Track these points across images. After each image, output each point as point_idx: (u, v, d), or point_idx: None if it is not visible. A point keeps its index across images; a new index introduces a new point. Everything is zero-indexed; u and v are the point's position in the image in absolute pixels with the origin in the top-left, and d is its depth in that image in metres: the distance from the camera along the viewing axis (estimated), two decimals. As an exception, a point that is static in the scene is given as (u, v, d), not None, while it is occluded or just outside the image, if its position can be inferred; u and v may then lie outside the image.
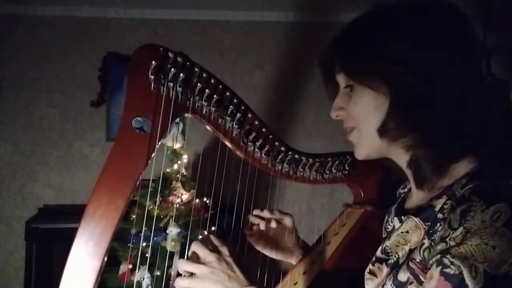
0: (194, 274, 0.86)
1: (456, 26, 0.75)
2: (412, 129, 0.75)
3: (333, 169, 1.16)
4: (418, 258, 0.71)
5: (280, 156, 1.09)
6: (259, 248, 1.17)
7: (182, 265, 0.88)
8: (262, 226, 1.18)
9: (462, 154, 0.74)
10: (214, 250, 0.88)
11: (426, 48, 0.72)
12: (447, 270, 0.62)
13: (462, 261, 0.61)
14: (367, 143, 0.82)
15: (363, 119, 0.80)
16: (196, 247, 0.89)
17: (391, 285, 0.75)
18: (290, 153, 1.09)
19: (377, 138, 0.79)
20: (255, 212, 1.18)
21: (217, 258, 0.86)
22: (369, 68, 0.76)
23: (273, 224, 1.18)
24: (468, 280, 0.60)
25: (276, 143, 1.08)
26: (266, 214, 1.18)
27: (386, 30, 0.76)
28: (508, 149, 0.75)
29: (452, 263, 0.62)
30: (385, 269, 0.80)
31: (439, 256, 0.64)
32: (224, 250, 0.88)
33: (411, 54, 0.72)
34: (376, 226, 0.99)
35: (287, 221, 1.20)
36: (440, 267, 0.63)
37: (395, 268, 0.77)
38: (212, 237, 0.91)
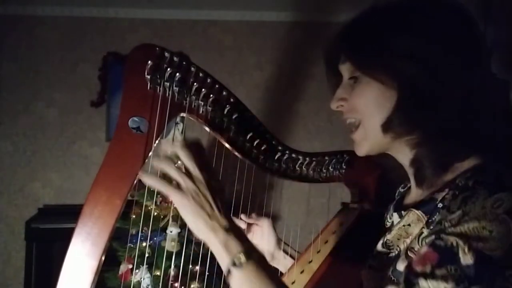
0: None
1: (465, 24, 0.75)
2: (419, 126, 0.74)
3: (330, 168, 1.16)
4: (416, 247, 0.71)
5: (277, 155, 1.09)
6: None
7: (163, 167, 0.78)
8: None
9: (466, 153, 0.74)
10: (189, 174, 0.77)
11: (439, 45, 0.72)
12: (438, 242, 0.63)
13: (456, 236, 0.61)
14: (370, 139, 0.81)
15: (366, 112, 0.79)
16: (168, 167, 0.77)
17: (390, 275, 0.75)
18: (287, 152, 1.09)
19: (380, 133, 0.78)
20: None
21: (196, 187, 0.76)
22: (381, 61, 0.75)
23: (242, 225, 1.15)
24: (461, 253, 0.60)
25: (273, 142, 1.08)
26: (241, 219, 1.17)
27: (401, 24, 0.75)
28: (509, 149, 0.75)
29: (445, 238, 0.62)
30: (385, 263, 0.80)
31: (433, 235, 0.65)
32: (202, 180, 0.77)
33: (425, 51, 0.72)
34: (374, 224, 0.99)
35: (264, 225, 1.19)
36: (431, 240, 0.64)
37: (395, 260, 0.77)
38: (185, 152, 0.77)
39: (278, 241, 1.19)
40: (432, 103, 0.72)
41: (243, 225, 1.16)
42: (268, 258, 1.18)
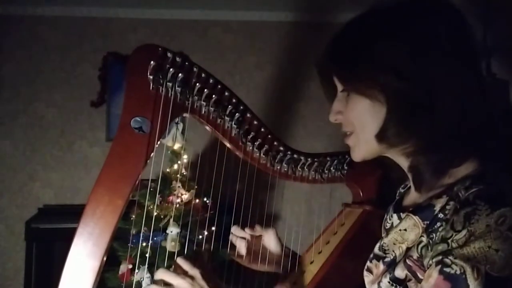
0: None
1: (453, 27, 0.74)
2: (411, 135, 0.74)
3: (332, 168, 1.16)
4: (415, 255, 0.71)
5: (279, 156, 1.09)
6: (244, 264, 1.16)
7: None
8: (244, 246, 1.17)
9: (462, 159, 0.73)
10: (186, 273, 0.89)
11: (422, 53, 0.71)
12: (447, 270, 0.62)
13: (464, 261, 0.61)
14: (365, 147, 0.82)
15: (360, 125, 0.80)
16: (166, 276, 0.88)
17: (388, 281, 0.75)
18: (288, 152, 1.09)
19: (375, 143, 0.78)
20: (234, 229, 1.17)
21: (190, 284, 0.86)
22: (363, 76, 0.75)
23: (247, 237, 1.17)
24: (470, 280, 0.60)
25: (275, 143, 1.08)
26: (246, 233, 1.17)
27: (379, 36, 0.74)
28: (509, 150, 0.75)
29: (453, 263, 0.62)
30: (381, 267, 0.80)
31: (440, 257, 0.64)
32: (196, 274, 0.88)
33: (406, 61, 0.71)
34: (375, 225, 0.99)
35: (270, 236, 1.19)
36: (439, 266, 0.63)
37: (391, 266, 0.77)
38: (181, 261, 0.91)
39: (282, 247, 1.20)
40: (424, 113, 0.71)
41: (247, 236, 1.17)
42: (272, 266, 1.18)
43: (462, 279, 0.60)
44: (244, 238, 1.18)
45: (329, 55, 0.81)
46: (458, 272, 0.61)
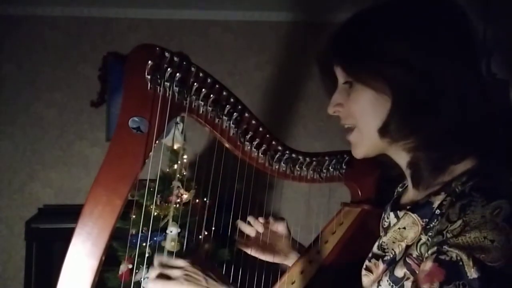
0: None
1: (457, 25, 0.74)
2: (414, 131, 0.74)
3: (330, 168, 1.16)
4: (415, 253, 0.71)
5: (277, 155, 1.09)
6: (252, 253, 1.17)
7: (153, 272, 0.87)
8: (253, 234, 1.18)
9: (462, 156, 0.74)
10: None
11: (429, 48, 0.71)
12: (442, 257, 0.62)
13: (459, 250, 0.61)
14: (367, 143, 0.81)
15: (362, 118, 0.79)
16: (158, 283, 0.87)
17: (387, 280, 0.75)
18: (287, 152, 1.09)
19: (377, 138, 0.78)
20: (249, 219, 1.18)
21: (186, 270, 0.86)
22: (371, 68, 0.75)
23: (260, 229, 1.18)
24: (467, 267, 0.59)
25: (273, 142, 1.08)
26: (260, 222, 1.18)
27: (389, 29, 0.74)
28: (508, 149, 0.75)
29: (448, 250, 0.62)
30: (381, 266, 0.80)
31: (435, 247, 0.64)
32: (184, 263, 0.87)
33: (414, 55, 0.71)
34: (374, 224, 0.99)
35: (281, 227, 1.21)
36: (434, 255, 0.63)
37: (391, 264, 0.77)
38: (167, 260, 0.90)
39: (292, 240, 1.21)
40: (428, 108, 0.71)
41: (260, 228, 1.18)
42: (281, 257, 1.20)
43: (459, 266, 0.60)
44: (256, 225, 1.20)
45: (337, 44, 0.81)
46: (454, 259, 0.61)
